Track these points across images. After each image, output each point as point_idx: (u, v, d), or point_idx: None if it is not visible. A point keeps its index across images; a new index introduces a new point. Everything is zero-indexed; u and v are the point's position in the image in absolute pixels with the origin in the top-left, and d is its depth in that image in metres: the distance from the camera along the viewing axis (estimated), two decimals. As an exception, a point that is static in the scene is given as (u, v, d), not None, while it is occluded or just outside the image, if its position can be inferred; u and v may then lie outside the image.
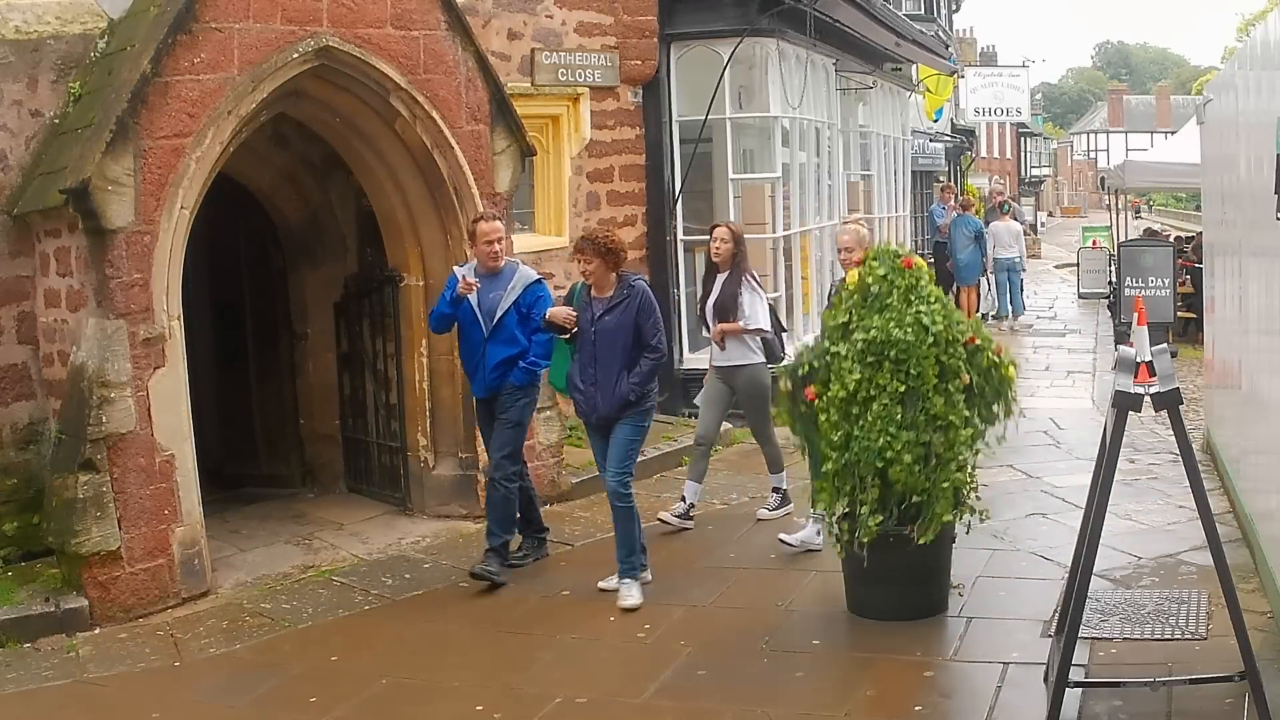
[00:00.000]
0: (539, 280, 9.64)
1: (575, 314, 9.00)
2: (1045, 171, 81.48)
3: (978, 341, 8.14)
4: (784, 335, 11.22)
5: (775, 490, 10.91)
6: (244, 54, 9.49)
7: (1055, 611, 7.76)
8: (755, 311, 10.53)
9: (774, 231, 15.80)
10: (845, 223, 11.70)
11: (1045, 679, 6.85)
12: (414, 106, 10.59)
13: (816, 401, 8.11)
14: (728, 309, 10.50)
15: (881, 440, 7.82)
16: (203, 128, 9.29)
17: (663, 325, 9.01)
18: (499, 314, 9.44)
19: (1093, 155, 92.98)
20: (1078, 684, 6.58)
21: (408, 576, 9.71)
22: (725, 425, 14.16)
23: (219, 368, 12.31)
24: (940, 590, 8.23)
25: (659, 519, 10.56)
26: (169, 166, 9.14)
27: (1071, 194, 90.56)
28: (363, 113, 10.65)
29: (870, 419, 7.87)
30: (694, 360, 15.46)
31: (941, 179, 35.93)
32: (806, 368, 8.26)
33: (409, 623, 8.73)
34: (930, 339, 7.91)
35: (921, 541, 7.86)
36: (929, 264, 8.85)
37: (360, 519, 11.20)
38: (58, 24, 9.94)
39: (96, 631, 8.72)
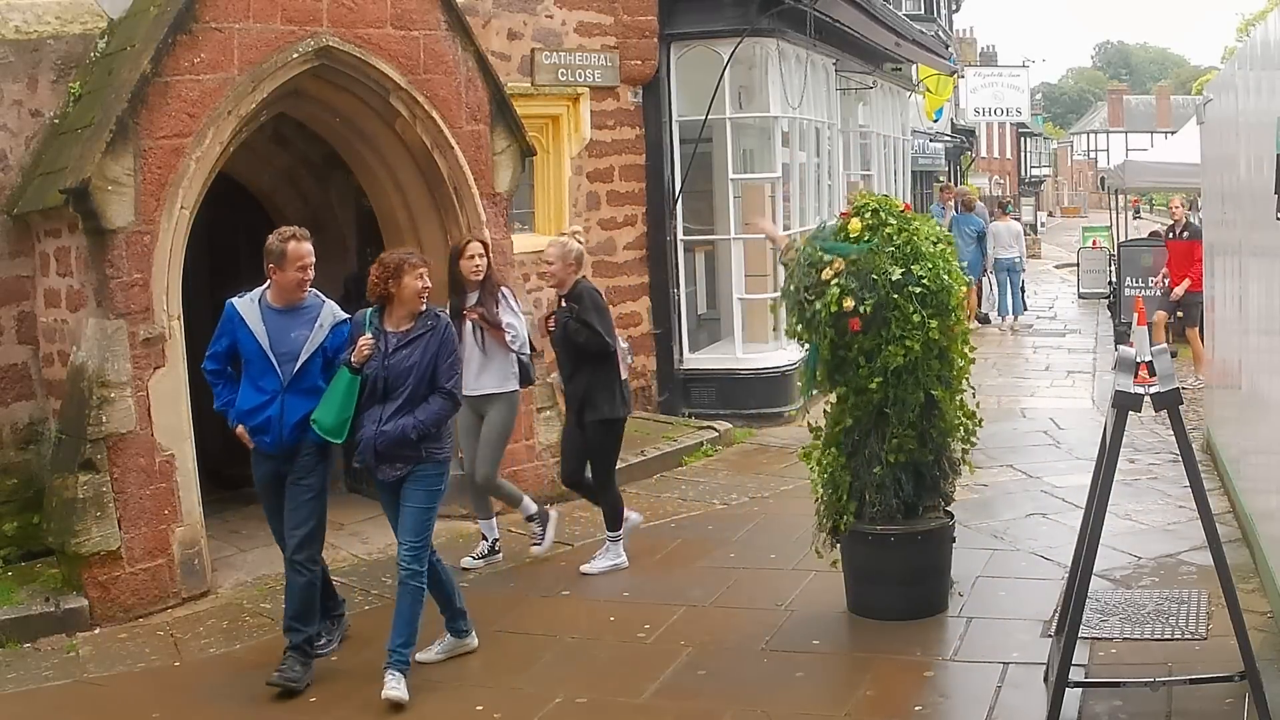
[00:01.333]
0: (347, 320, 7.84)
1: (373, 343, 7.44)
2: (1045, 171, 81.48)
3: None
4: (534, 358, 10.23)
5: (536, 522, 10.08)
6: (244, 54, 9.49)
7: (1055, 611, 7.76)
8: (521, 331, 9.59)
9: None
10: (559, 234, 10.53)
11: (1045, 679, 6.85)
12: (414, 106, 10.59)
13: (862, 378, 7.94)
14: (491, 330, 9.46)
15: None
16: (203, 128, 9.30)
17: (460, 370, 7.74)
18: (303, 358, 7.69)
19: (1093, 155, 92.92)
20: (1078, 684, 6.57)
21: (408, 576, 9.67)
22: (725, 425, 14.24)
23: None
24: (940, 590, 8.23)
25: (461, 566, 9.67)
26: (169, 166, 9.14)
27: (1071, 194, 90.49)
28: (363, 113, 10.65)
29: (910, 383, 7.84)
30: (694, 360, 15.48)
31: (942, 179, 35.96)
32: (849, 298, 7.72)
33: (409, 623, 8.69)
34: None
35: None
36: None
37: (360, 519, 11.19)
38: (58, 24, 9.94)
39: (96, 631, 8.72)
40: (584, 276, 9.68)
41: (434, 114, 10.69)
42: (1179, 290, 17.67)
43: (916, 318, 7.68)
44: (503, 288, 9.67)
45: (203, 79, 9.30)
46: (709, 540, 10.37)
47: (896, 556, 7.99)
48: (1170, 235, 19.17)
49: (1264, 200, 7.56)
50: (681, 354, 15.47)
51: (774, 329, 15.70)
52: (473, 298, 9.48)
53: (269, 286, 7.80)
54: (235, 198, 11.52)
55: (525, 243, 13.22)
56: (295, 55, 9.79)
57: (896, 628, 7.95)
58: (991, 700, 6.88)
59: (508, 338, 9.45)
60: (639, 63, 14.88)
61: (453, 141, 10.85)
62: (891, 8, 21.70)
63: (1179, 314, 17.99)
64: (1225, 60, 39.60)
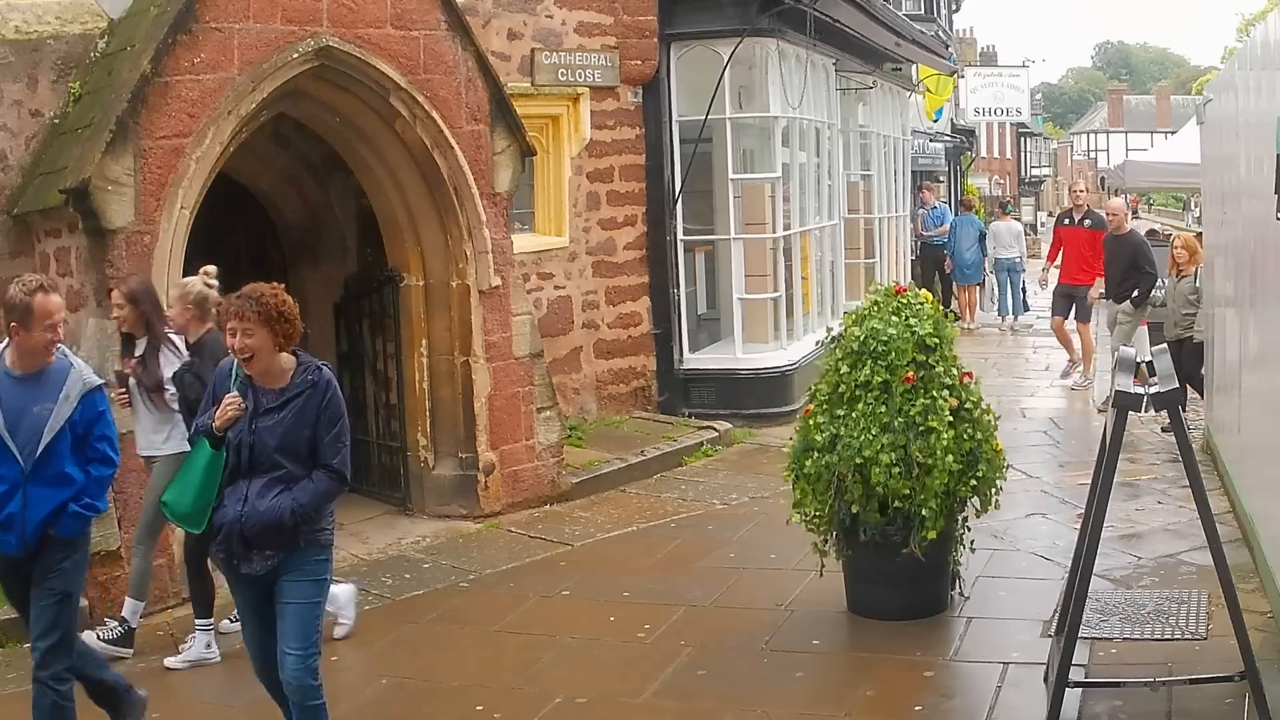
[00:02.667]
0: (100, 387, 6.49)
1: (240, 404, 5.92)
2: (1045, 171, 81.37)
3: (973, 379, 8.19)
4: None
5: (122, 622, 8.41)
6: (244, 54, 9.49)
7: (1055, 611, 7.76)
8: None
9: (774, 231, 15.78)
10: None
11: (1045, 679, 6.86)
12: (414, 106, 10.59)
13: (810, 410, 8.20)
14: (150, 391, 8.13)
15: (862, 439, 7.83)
16: (203, 128, 9.30)
17: (349, 440, 6.32)
18: (46, 439, 6.24)
19: (1093, 155, 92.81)
20: (1078, 684, 6.58)
21: (407, 576, 9.72)
22: (725, 425, 14.24)
23: (219, 368, 12.25)
24: (940, 590, 8.23)
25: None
26: (169, 166, 9.15)
27: (1070, 192, 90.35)
28: (363, 113, 10.65)
29: (854, 417, 7.89)
30: (694, 360, 15.47)
31: (942, 179, 35.92)
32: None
33: (409, 622, 8.72)
34: (913, 336, 7.92)
35: (908, 551, 7.86)
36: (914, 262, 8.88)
37: (360, 519, 11.20)
38: (58, 24, 9.94)
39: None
40: (214, 327, 7.98)
41: (434, 114, 10.69)
42: (1094, 293, 16.28)
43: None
44: (173, 335, 8.22)
45: (203, 79, 9.30)
46: (709, 540, 10.37)
47: (896, 557, 7.99)
48: (1066, 222, 17.52)
49: (1264, 200, 7.56)
50: (681, 354, 15.45)
51: (774, 329, 15.75)
52: (142, 344, 8.26)
53: (7, 346, 6.36)
54: (235, 198, 11.52)
55: (526, 243, 13.23)
56: (295, 55, 9.79)
57: (896, 628, 7.96)
58: (992, 700, 6.89)
59: (167, 397, 8.09)
60: (639, 63, 14.87)
61: (453, 141, 10.85)
62: (891, 8, 21.66)
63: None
64: (1225, 60, 39.57)
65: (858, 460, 7.82)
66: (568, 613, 8.83)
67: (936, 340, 7.97)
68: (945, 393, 7.88)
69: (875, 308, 8.18)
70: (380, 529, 10.97)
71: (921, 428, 7.79)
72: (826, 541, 8.17)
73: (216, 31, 9.36)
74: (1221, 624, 7.22)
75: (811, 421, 8.12)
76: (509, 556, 10.10)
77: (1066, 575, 7.65)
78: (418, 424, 11.32)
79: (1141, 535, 9.73)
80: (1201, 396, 13.25)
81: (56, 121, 9.85)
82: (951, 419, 7.83)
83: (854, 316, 8.31)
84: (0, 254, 9.78)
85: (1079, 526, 7.63)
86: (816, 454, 8.01)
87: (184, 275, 9.27)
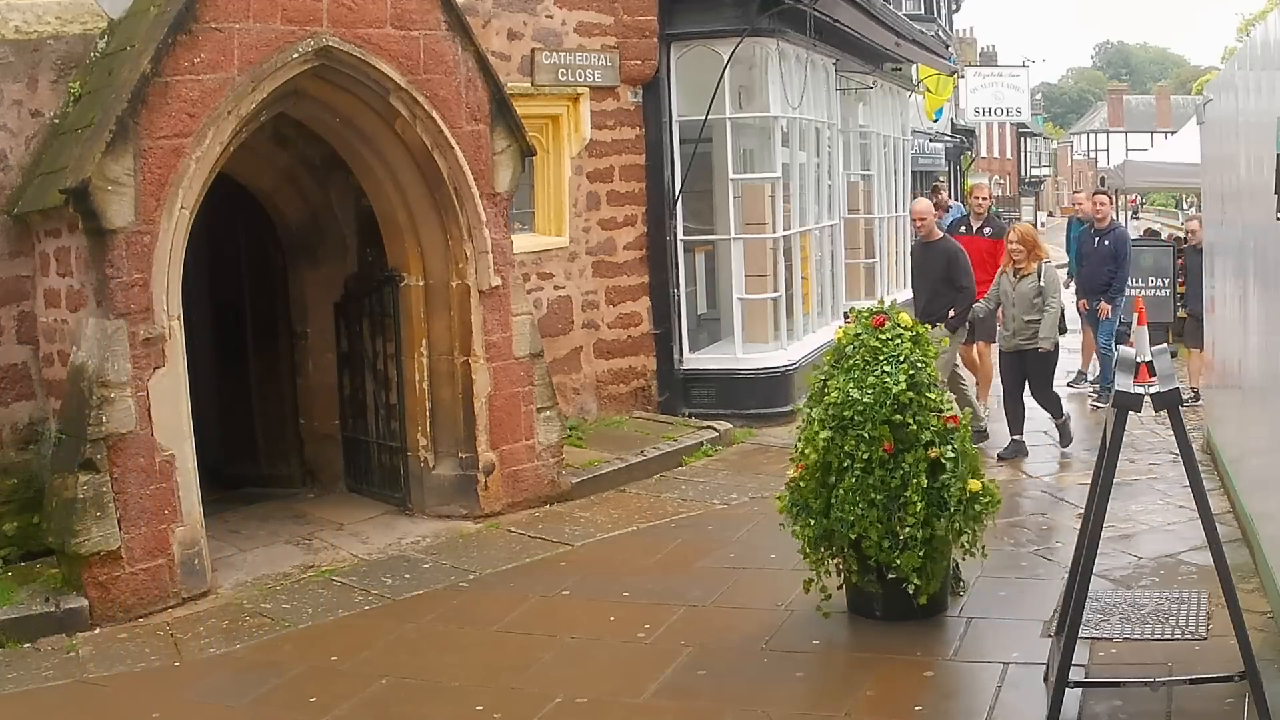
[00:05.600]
0: None
1: None
2: (1045, 171, 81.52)
3: (957, 423, 8.09)
4: None
5: None
6: (244, 54, 9.49)
7: (1055, 611, 7.76)
8: None
9: (774, 231, 15.78)
10: None
11: (1045, 679, 6.85)
12: (414, 106, 10.59)
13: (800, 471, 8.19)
14: None
15: (853, 515, 7.83)
16: (203, 128, 9.29)
17: None
18: None
19: (1093, 155, 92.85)
20: (1078, 684, 6.58)
21: (408, 576, 9.71)
22: (725, 425, 14.24)
23: (219, 368, 12.31)
24: (941, 589, 8.22)
25: None
26: (169, 166, 9.14)
27: (1071, 194, 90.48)
28: (363, 113, 10.65)
29: (844, 491, 7.87)
30: (694, 360, 15.48)
31: (941, 179, 35.94)
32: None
33: (409, 622, 8.72)
34: (889, 401, 7.84)
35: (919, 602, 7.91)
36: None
37: (360, 519, 11.20)
38: (58, 24, 9.94)
39: (96, 631, 8.71)
40: None
41: (434, 114, 10.69)
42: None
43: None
44: None
45: (203, 79, 9.29)
46: (709, 540, 10.37)
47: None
48: (964, 230, 15.38)
49: (1264, 200, 7.56)
50: (681, 354, 15.46)
51: (774, 329, 15.74)
52: None
53: None
54: (235, 198, 11.51)
55: (525, 243, 13.24)
56: (295, 55, 9.79)
57: (897, 628, 7.95)
58: (992, 700, 6.89)
59: None
60: (639, 63, 14.87)
61: (453, 141, 10.84)
62: (891, 8, 21.68)
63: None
64: (1225, 60, 39.60)
65: (852, 535, 7.87)
66: (568, 613, 8.82)
67: (911, 396, 7.89)
68: (923, 450, 7.84)
69: (855, 345, 8.14)
70: (380, 529, 10.97)
71: (901, 499, 7.77)
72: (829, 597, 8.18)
73: (216, 31, 9.35)
74: (1222, 624, 7.22)
75: (804, 484, 8.13)
76: (509, 556, 10.09)
77: (1066, 575, 7.63)
78: (418, 424, 11.32)
79: (1141, 535, 9.72)
80: (1057, 418, 12.91)
81: (56, 121, 9.85)
82: (927, 484, 7.77)
83: (833, 356, 8.28)
84: (0, 254, 9.77)
85: (1078, 526, 7.62)
86: (813, 520, 8.04)
87: (182, 276, 9.31)
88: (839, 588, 8.21)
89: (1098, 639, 7.57)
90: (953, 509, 7.80)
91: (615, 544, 10.47)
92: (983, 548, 8.12)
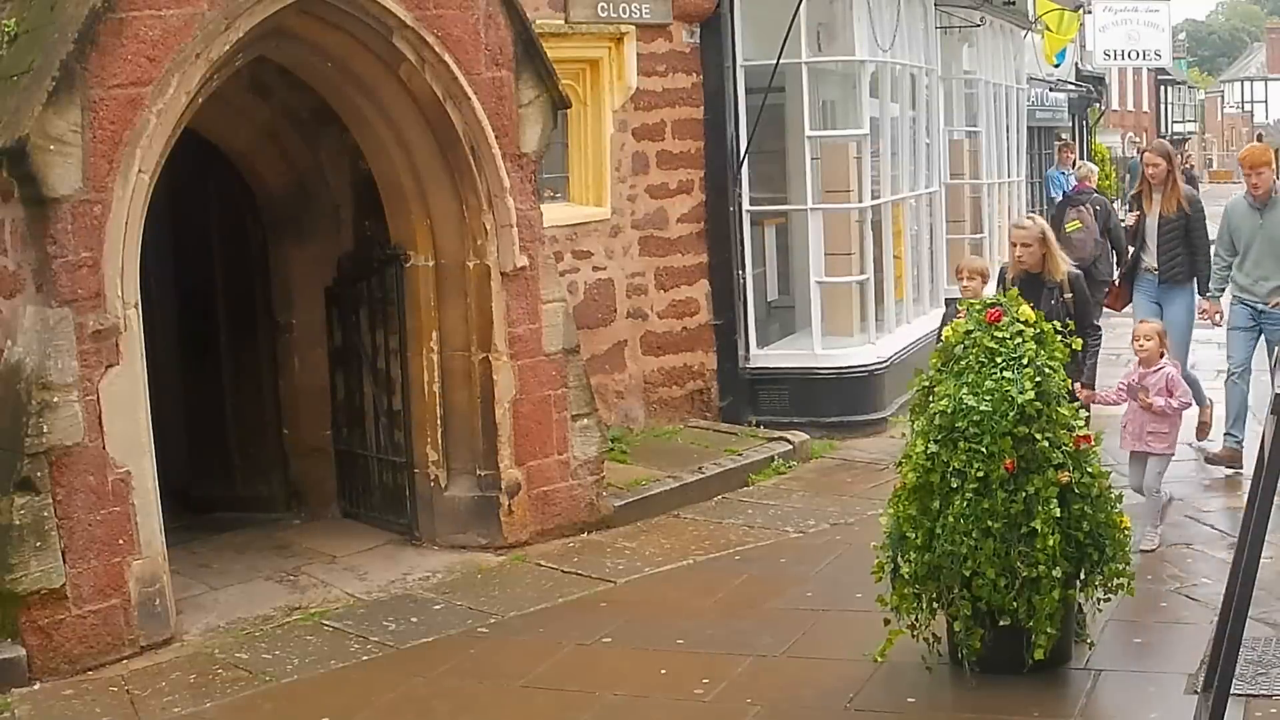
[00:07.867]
0: None
1: None
2: (1190, 127, 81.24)
3: (1090, 443, 8.03)
4: None
5: None
6: (215, -16, 9.48)
7: (1202, 663, 7.66)
8: None
9: (860, 201, 15.75)
10: None
11: (1195, 747, 6.77)
12: (422, 49, 10.56)
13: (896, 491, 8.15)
14: None
15: (965, 546, 7.71)
16: (165, 74, 9.27)
17: None
18: None
19: (1248, 108, 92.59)
20: (1235, 752, 6.50)
21: (415, 620, 9.72)
22: (801, 436, 14.19)
23: (185, 366, 12.38)
24: (1063, 637, 8.12)
25: None
26: (124, 122, 9.13)
27: (1222, 154, 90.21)
28: (360, 56, 10.63)
29: (952, 518, 7.77)
30: (763, 357, 15.46)
31: (1064, 136, 35.79)
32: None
33: (417, 676, 8.72)
34: (1014, 412, 7.76)
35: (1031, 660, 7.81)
36: None
37: (357, 550, 11.23)
38: (-10, -51, 9.95)
39: (36, 687, 8.70)
40: None
41: (446, 58, 10.66)
42: None
43: None
44: None
45: (165, 15, 9.27)
46: (781, 576, 10.36)
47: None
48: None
49: None
50: (748, 350, 15.45)
51: (860, 319, 15.66)
52: None
53: None
54: (205, 160, 11.54)
55: (558, 214, 13.22)
56: (278, -14, 9.79)
57: (1009, 682, 7.87)
58: (1128, 773, 6.83)
59: None
60: (696, -6, 14.86)
61: (469, 91, 10.82)
62: (1004, -73, 21.62)
63: None
64: None
65: (965, 572, 7.74)
66: (609, 664, 8.81)
67: (1039, 407, 7.81)
68: (1053, 472, 7.75)
69: (967, 344, 8.07)
70: (381, 562, 10.97)
71: (1024, 530, 7.68)
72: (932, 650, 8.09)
73: (181, -43, 9.35)
74: None
75: (900, 511, 8.04)
76: (538, 596, 10.10)
77: (1215, 619, 7.54)
78: (426, 435, 11.31)
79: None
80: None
81: (-12, 68, 9.87)
82: (1059, 513, 7.69)
83: (939, 357, 8.23)
84: (-78, 229, 9.79)
85: (1230, 559, 7.51)
86: (914, 553, 7.93)
87: (141, 255, 9.28)
88: (932, 636, 8.11)
89: (1254, 696, 7.50)
90: (1090, 548, 7.75)
91: (667, 580, 10.47)
92: (1128, 584, 8.03)
